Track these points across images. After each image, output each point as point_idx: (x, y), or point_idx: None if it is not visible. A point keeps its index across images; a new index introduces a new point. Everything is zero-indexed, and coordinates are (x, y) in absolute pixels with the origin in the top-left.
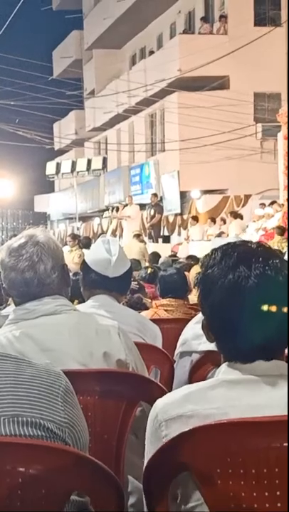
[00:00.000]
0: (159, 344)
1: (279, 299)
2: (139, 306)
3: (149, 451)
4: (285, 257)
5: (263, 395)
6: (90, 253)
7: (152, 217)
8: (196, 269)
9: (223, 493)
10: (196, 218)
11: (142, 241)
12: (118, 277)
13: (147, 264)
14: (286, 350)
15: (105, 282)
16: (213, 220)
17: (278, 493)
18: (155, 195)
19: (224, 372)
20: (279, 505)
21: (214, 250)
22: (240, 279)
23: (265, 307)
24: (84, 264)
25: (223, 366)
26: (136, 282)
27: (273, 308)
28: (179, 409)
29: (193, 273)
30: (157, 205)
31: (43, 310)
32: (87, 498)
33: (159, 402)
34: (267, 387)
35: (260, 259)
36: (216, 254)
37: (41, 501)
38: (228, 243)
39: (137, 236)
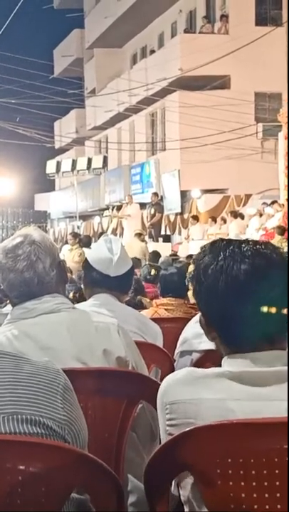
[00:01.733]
0: (159, 343)
1: (276, 278)
2: (137, 308)
3: (161, 425)
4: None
5: (269, 388)
6: (91, 252)
7: (152, 216)
8: (192, 267)
9: (223, 493)
10: (196, 218)
11: (143, 240)
12: (119, 276)
13: (147, 262)
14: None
15: (106, 281)
16: (214, 220)
17: (278, 494)
18: (156, 194)
19: (228, 364)
20: (279, 506)
21: (203, 245)
22: (233, 263)
23: (262, 288)
24: (86, 263)
25: (226, 359)
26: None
27: (272, 287)
28: (183, 395)
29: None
30: (158, 204)
31: (41, 308)
32: (87, 496)
33: (166, 382)
34: (272, 380)
35: (250, 243)
36: (206, 247)
37: (41, 499)
38: (215, 239)
39: (138, 235)
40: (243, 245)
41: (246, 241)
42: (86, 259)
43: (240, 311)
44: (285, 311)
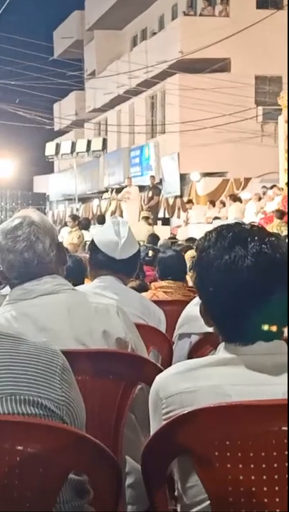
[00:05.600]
0: (162, 329)
1: (277, 277)
2: (141, 290)
3: (153, 427)
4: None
5: (264, 372)
6: (98, 233)
7: (150, 199)
8: (190, 253)
9: (221, 476)
10: (191, 202)
11: (150, 224)
12: (125, 259)
13: (144, 244)
14: (285, 331)
15: (112, 264)
16: (213, 204)
17: (276, 476)
18: (153, 177)
19: (223, 351)
20: (277, 488)
21: (209, 232)
22: (237, 258)
23: (263, 286)
24: (92, 244)
25: (222, 346)
26: None
27: (272, 287)
28: (178, 386)
29: (188, 256)
30: (155, 187)
31: (41, 290)
32: (85, 477)
33: (159, 378)
34: (268, 365)
35: (256, 238)
36: (211, 236)
37: (39, 480)
38: (222, 225)
39: (146, 219)
40: (249, 244)
41: (252, 236)
42: (93, 240)
43: (242, 310)
44: (283, 307)
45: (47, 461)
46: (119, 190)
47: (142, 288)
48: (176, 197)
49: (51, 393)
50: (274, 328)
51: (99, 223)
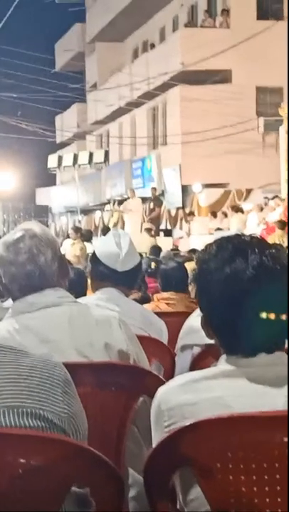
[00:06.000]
0: (164, 340)
1: (278, 288)
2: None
3: (155, 439)
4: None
5: (266, 384)
6: (99, 245)
7: (152, 210)
8: (191, 264)
9: (223, 487)
10: (192, 213)
11: (152, 235)
12: (127, 271)
13: (146, 256)
14: (286, 342)
15: (113, 275)
16: (214, 215)
17: (279, 488)
18: (154, 188)
19: (225, 363)
20: (279, 500)
21: (209, 245)
22: (237, 271)
23: (264, 298)
24: (93, 256)
25: (223, 358)
26: None
27: (273, 299)
28: (180, 398)
29: (188, 269)
30: (157, 198)
31: (43, 302)
32: (87, 490)
33: (161, 391)
34: (269, 377)
35: (256, 249)
36: (211, 249)
37: (42, 492)
38: (222, 237)
39: (148, 230)
40: (250, 256)
41: (252, 248)
42: (94, 252)
43: (243, 322)
44: (284, 319)
45: (49, 473)
46: (121, 202)
47: (145, 300)
48: (178, 208)
49: (53, 406)
50: (275, 340)
51: (104, 236)
